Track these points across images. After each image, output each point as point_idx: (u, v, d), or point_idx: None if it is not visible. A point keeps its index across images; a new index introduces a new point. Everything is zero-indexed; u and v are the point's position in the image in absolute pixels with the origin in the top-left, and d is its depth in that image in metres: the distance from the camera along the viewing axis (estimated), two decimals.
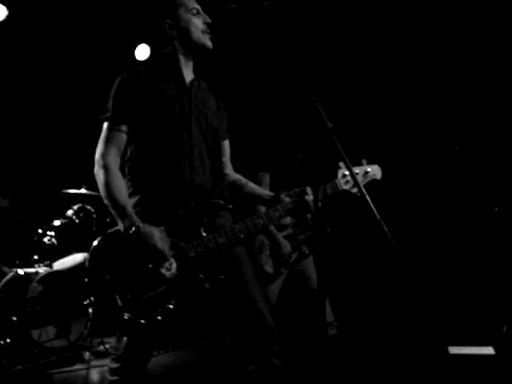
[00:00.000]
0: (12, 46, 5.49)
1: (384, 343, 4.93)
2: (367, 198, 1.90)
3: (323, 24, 5.31)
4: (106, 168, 2.34)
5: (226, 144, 2.74)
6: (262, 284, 4.48)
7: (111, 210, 2.32)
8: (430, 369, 4.05)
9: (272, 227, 4.60)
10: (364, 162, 2.65)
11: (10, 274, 4.64)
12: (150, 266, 2.28)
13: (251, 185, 2.69)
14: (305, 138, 4.74)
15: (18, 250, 4.88)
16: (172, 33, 2.53)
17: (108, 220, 5.24)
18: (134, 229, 2.24)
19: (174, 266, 2.31)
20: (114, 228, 2.33)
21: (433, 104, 5.59)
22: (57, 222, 5.14)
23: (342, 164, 2.56)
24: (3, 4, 4.90)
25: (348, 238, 5.50)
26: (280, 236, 4.64)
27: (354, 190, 2.58)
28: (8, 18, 4.87)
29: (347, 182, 2.57)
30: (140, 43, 5.51)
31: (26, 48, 5.61)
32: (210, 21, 2.54)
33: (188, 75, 2.58)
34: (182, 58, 2.56)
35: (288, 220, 4.71)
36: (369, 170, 2.62)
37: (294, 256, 4.63)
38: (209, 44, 2.53)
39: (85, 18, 5.49)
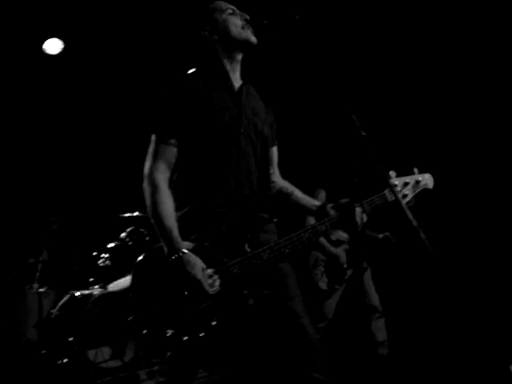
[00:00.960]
0: (68, 76, 5.70)
1: (441, 362, 4.74)
2: (405, 209, 1.86)
3: (355, 35, 5.28)
4: (154, 185, 2.31)
5: (275, 151, 2.69)
6: (316, 300, 4.51)
7: (156, 230, 2.30)
8: None
9: (324, 242, 4.55)
10: (415, 170, 2.56)
11: (67, 296, 4.78)
12: (186, 293, 2.25)
13: (298, 193, 2.63)
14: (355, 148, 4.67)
15: (73, 271, 5.02)
16: (213, 37, 2.48)
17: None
18: (176, 255, 2.23)
19: (218, 282, 2.28)
20: (159, 244, 2.31)
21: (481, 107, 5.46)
22: (111, 245, 5.26)
23: (392, 173, 2.48)
24: (59, 38, 5.07)
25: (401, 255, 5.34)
26: (334, 249, 4.58)
27: (406, 200, 2.49)
28: (64, 51, 5.03)
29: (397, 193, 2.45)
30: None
31: (79, 77, 5.81)
32: (248, 17, 2.49)
33: (236, 81, 2.53)
34: (227, 63, 2.50)
35: (345, 235, 4.64)
36: (420, 179, 2.52)
37: (349, 272, 4.57)
38: (252, 39, 2.46)
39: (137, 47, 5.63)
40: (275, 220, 2.51)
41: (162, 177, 2.34)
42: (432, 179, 2.56)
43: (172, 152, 2.38)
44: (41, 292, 4.80)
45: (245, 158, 2.44)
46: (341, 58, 4.98)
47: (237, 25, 2.46)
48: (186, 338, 2.24)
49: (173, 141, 2.38)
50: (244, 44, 2.47)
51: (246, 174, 2.43)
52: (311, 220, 2.61)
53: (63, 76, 5.65)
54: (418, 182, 2.53)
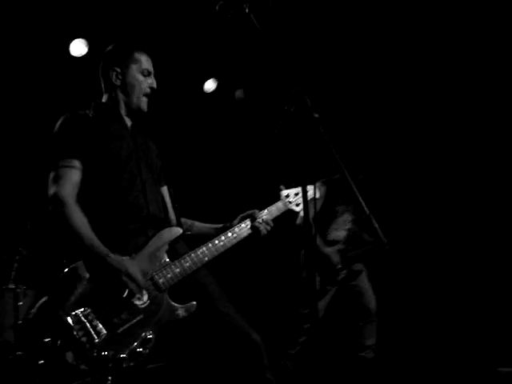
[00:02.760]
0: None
1: (431, 362, 4.64)
2: (357, 193, 1.93)
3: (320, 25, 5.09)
4: (61, 203, 2.24)
5: (165, 190, 2.71)
6: (307, 301, 4.36)
7: (78, 246, 2.23)
8: None
9: (318, 241, 4.39)
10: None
11: (44, 298, 4.69)
12: (125, 295, 2.20)
13: (197, 225, 2.70)
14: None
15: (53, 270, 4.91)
16: (116, 82, 2.52)
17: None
18: (105, 259, 2.18)
19: (146, 296, 2.26)
20: (78, 262, 2.24)
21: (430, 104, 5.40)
22: None
23: (282, 186, 2.74)
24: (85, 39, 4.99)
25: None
26: (327, 249, 4.43)
27: (298, 209, 2.76)
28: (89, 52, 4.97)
29: (290, 203, 2.75)
30: None
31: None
32: (155, 87, 2.56)
33: (128, 121, 2.58)
34: (122, 105, 2.55)
35: (342, 235, 4.51)
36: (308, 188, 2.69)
37: (342, 274, 4.41)
38: (144, 108, 2.54)
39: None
40: (189, 233, 2.61)
41: (69, 194, 2.28)
42: (314, 189, 2.67)
43: (76, 174, 2.33)
44: (17, 292, 4.70)
45: (148, 180, 2.48)
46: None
47: (141, 90, 2.51)
48: (123, 355, 2.15)
49: (77, 163, 2.33)
50: (136, 109, 2.54)
51: (152, 194, 2.48)
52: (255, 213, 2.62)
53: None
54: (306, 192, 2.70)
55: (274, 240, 2.88)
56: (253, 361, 2.32)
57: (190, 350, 2.75)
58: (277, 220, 2.70)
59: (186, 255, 2.38)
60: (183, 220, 2.67)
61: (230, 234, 2.50)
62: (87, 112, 2.47)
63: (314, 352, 4.33)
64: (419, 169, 5.46)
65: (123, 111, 2.55)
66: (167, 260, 2.35)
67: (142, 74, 2.52)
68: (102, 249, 2.21)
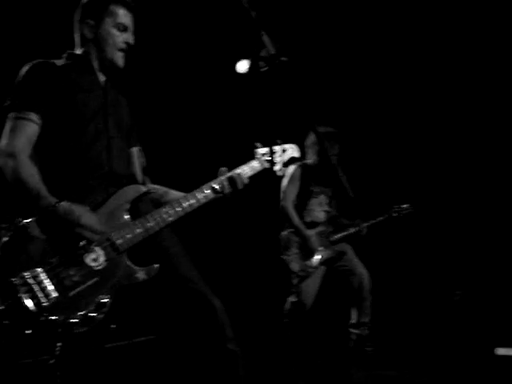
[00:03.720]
0: None
1: (427, 344, 4.57)
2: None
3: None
4: (12, 154, 2.07)
5: (135, 152, 2.53)
6: (291, 285, 4.20)
7: (24, 198, 2.06)
8: (476, 370, 3.79)
9: (297, 222, 4.25)
10: (279, 141, 2.63)
11: None
12: (81, 243, 2.04)
13: (173, 192, 2.48)
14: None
15: None
16: (88, 35, 2.35)
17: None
18: (52, 208, 2.01)
19: (102, 257, 2.07)
20: (29, 220, 2.04)
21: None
22: None
23: (258, 144, 2.56)
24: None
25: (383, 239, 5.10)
26: (306, 231, 4.28)
27: (277, 168, 2.64)
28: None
29: (266, 161, 2.55)
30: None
31: None
32: (132, 42, 2.38)
33: (101, 76, 2.40)
34: (95, 59, 2.38)
35: (321, 216, 4.43)
36: (286, 147, 2.65)
37: (324, 255, 4.29)
38: (118, 63, 2.36)
39: None
40: (151, 192, 2.41)
41: (21, 148, 2.11)
42: (297, 148, 2.68)
43: (32, 128, 2.15)
44: None
45: (115, 136, 2.32)
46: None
47: (115, 45, 2.34)
48: (75, 320, 1.97)
49: (34, 117, 2.16)
50: (110, 64, 2.37)
51: (118, 151, 2.33)
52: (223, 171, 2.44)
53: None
54: (284, 150, 2.64)
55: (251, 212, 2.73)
56: (214, 331, 2.18)
57: (148, 315, 2.52)
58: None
59: (148, 215, 2.20)
60: (155, 186, 2.51)
61: (197, 194, 2.33)
62: (56, 62, 2.29)
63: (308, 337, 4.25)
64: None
65: (96, 65, 2.37)
66: (127, 219, 2.17)
67: (117, 29, 2.34)
68: (50, 199, 2.03)
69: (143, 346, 3.85)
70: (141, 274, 2.12)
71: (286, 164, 2.66)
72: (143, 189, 2.28)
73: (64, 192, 2.10)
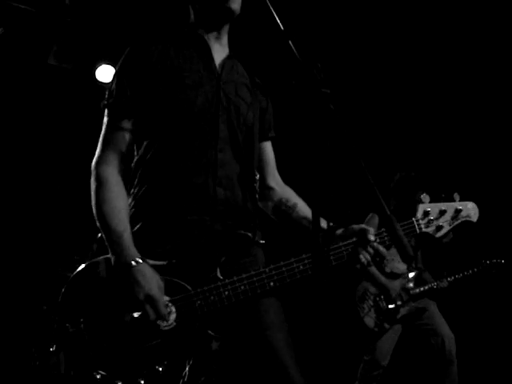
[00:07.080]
0: None
1: None
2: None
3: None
4: (100, 180, 1.79)
5: (267, 147, 2.08)
6: (363, 340, 3.84)
7: (102, 236, 1.74)
8: None
9: (376, 271, 3.93)
10: (456, 196, 2.00)
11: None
12: (136, 315, 1.70)
13: (303, 208, 1.97)
14: None
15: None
16: None
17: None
18: (126, 265, 1.67)
19: (173, 316, 1.71)
20: (103, 256, 1.76)
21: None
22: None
23: (425, 197, 1.95)
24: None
25: None
26: (387, 281, 3.95)
27: (439, 235, 1.95)
28: None
29: (429, 224, 1.92)
30: None
31: None
32: None
33: (219, 53, 1.94)
34: (208, 30, 1.92)
35: (402, 268, 4.04)
36: (460, 207, 1.97)
37: (402, 311, 3.90)
38: (235, 7, 1.85)
39: None
40: (262, 242, 1.90)
41: (112, 169, 1.80)
42: (477, 209, 2.00)
43: (125, 138, 1.83)
44: None
45: (224, 149, 1.85)
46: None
47: None
48: (120, 383, 1.68)
49: (127, 124, 1.83)
50: (224, 12, 1.87)
51: (226, 170, 1.84)
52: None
53: None
54: (458, 211, 1.97)
55: None
56: None
57: None
58: None
59: (244, 275, 1.74)
60: (285, 195, 2.03)
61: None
62: (160, 46, 1.89)
63: None
64: None
65: (211, 37, 1.92)
66: (219, 276, 1.76)
67: None
68: (131, 251, 1.69)
69: None
70: (215, 345, 1.79)
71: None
72: (250, 237, 1.82)
73: (152, 227, 1.79)
